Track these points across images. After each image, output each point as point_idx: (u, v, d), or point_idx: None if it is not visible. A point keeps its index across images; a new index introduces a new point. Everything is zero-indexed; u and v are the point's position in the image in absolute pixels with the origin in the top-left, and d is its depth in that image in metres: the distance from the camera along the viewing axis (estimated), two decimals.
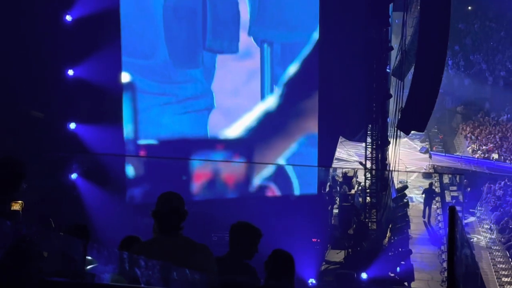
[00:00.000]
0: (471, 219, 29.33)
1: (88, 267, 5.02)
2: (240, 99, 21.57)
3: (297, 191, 22.94)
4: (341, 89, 22.51)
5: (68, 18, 19.57)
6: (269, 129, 22.29)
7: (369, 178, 24.45)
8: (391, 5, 23.57)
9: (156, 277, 4.96)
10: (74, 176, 20.38)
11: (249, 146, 22.20)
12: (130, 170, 21.33)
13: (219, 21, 20.92)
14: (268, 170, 22.77)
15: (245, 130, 22.00)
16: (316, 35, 21.80)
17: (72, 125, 20.12)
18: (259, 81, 21.77)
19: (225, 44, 21.15)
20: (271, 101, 21.95)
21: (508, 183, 32.60)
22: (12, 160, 6.13)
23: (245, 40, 21.27)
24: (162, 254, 5.25)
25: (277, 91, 21.95)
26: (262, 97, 21.89)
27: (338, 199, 26.67)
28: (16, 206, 7.94)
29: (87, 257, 4.91)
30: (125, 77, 20.75)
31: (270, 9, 21.02)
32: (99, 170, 20.51)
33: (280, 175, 22.90)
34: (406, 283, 22.28)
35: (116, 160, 20.80)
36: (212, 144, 21.69)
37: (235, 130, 21.97)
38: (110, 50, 19.87)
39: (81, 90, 19.97)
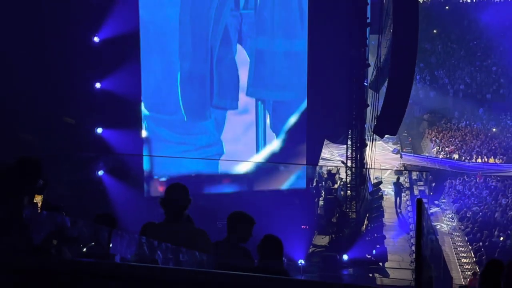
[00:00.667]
0: (436, 209, 29.41)
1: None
2: (240, 145, 21.85)
3: (289, 186, 22.66)
4: (327, 100, 22.38)
5: (96, 39, 19.51)
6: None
7: (350, 175, 24.46)
8: (368, 29, 23.57)
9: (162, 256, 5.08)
10: (100, 172, 20.33)
11: (250, 179, 22.37)
12: (147, 168, 21.22)
13: (223, 84, 21.16)
14: (265, 169, 22.55)
15: (248, 166, 22.25)
16: (304, 92, 22.03)
17: (99, 130, 20.03)
18: (254, 131, 22.07)
19: (228, 102, 21.44)
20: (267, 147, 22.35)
21: (466, 179, 32.73)
22: (28, 159, 5.82)
23: (243, 98, 21.48)
24: (166, 237, 5.34)
25: (270, 136, 22.22)
26: (257, 143, 22.14)
27: (323, 193, 26.64)
28: (38, 198, 7.68)
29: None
30: (144, 133, 21.08)
31: (263, 74, 21.23)
32: (121, 168, 20.47)
33: (275, 173, 22.62)
34: (380, 264, 22.24)
35: (135, 160, 20.75)
36: (221, 178, 21.97)
37: (240, 167, 22.15)
38: (130, 66, 19.85)
39: (107, 100, 19.85)
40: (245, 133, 21.86)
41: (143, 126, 20.66)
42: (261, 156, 22.21)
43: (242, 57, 21.14)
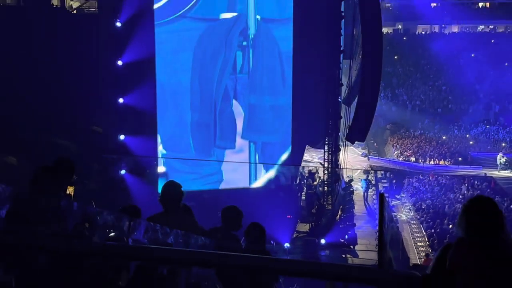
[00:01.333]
0: (396, 202, 29.37)
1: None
2: (237, 174, 22.30)
3: (277, 183, 22.71)
4: (308, 113, 22.45)
5: (119, 62, 19.39)
6: None
7: (326, 174, 24.29)
8: (341, 55, 23.59)
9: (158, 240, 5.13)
10: (122, 172, 20.17)
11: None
12: (160, 168, 21.17)
13: (223, 130, 21.65)
14: (258, 171, 22.64)
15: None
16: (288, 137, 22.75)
17: (121, 137, 20.00)
18: (247, 166, 22.62)
19: (227, 143, 21.86)
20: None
21: (421, 177, 32.71)
22: (64, 159, 5.83)
23: (239, 140, 21.99)
24: (167, 224, 5.33)
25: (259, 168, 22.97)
26: (250, 174, 22.77)
27: (305, 189, 26.44)
28: (70, 190, 7.73)
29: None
30: (163, 168, 21.47)
31: (255, 122, 21.82)
32: (139, 168, 20.43)
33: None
34: (351, 246, 22.28)
35: (150, 161, 20.81)
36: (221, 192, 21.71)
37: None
38: (147, 85, 19.91)
39: (128, 113, 19.88)
40: (240, 167, 22.20)
41: (162, 162, 21.21)
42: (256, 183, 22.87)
43: (238, 109, 21.74)
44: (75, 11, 25.88)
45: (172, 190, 5.92)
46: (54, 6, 26.10)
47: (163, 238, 5.23)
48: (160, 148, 20.91)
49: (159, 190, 19.99)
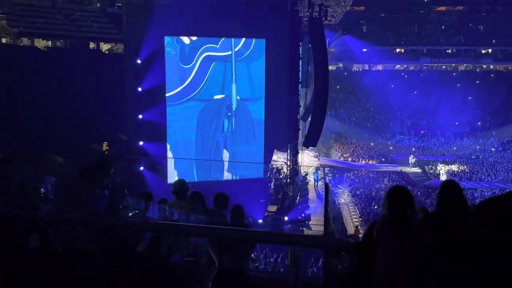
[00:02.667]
0: (339, 190, 29.42)
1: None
2: (226, 174, 22.54)
3: (253, 176, 22.56)
4: (276, 126, 22.39)
5: (139, 89, 19.28)
6: None
7: (289, 170, 24.32)
8: (300, 85, 23.70)
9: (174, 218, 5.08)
10: (141, 168, 19.89)
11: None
12: (170, 166, 20.84)
13: (215, 168, 22.09)
14: (240, 168, 22.36)
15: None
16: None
17: (141, 143, 19.78)
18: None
19: (218, 175, 22.06)
20: None
21: (356, 172, 32.83)
22: (106, 157, 5.73)
23: (226, 173, 22.35)
24: (178, 208, 5.41)
25: None
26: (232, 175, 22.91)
27: (273, 180, 26.40)
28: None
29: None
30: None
31: (236, 163, 22.10)
32: (154, 165, 20.18)
33: (245, 169, 22.38)
34: (307, 222, 22.20)
35: (162, 160, 20.50)
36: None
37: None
38: (159, 106, 19.81)
39: (146, 126, 19.70)
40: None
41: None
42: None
43: (225, 154, 22.05)
44: (107, 52, 25.64)
45: (181, 185, 5.94)
46: (91, 48, 25.87)
47: (171, 217, 5.21)
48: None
49: (167, 182, 20.03)
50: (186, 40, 20.33)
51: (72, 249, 3.59)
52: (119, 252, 3.73)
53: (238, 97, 21.64)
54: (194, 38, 20.45)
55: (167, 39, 19.75)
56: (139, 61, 19.25)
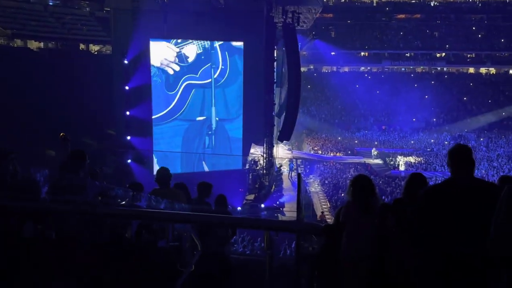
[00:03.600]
0: (310, 180, 29.68)
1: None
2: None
3: (233, 167, 22.53)
4: (254, 122, 22.34)
5: (126, 87, 18.96)
6: None
7: (265, 162, 24.35)
8: (274, 85, 23.68)
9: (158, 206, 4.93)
10: (129, 161, 19.62)
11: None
12: (155, 157, 20.60)
13: (195, 178, 22.18)
14: (220, 160, 22.35)
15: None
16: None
17: (128, 137, 19.45)
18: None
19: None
20: None
21: (325, 164, 33.04)
22: (76, 150, 5.49)
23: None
24: (161, 195, 5.09)
25: None
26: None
27: (251, 171, 26.28)
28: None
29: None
30: None
31: (215, 173, 21.96)
32: (140, 157, 19.90)
33: (225, 162, 22.40)
34: (281, 208, 22.24)
35: (148, 153, 20.25)
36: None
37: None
38: (144, 103, 19.53)
39: (133, 121, 19.39)
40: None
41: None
42: None
43: (206, 168, 22.52)
44: (96, 53, 25.14)
45: (163, 173, 5.76)
46: (81, 49, 25.32)
47: (157, 205, 5.13)
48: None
49: (154, 173, 19.68)
50: (170, 70, 20.77)
51: (65, 237, 3.52)
52: (108, 238, 3.68)
53: (217, 118, 22.40)
54: (177, 68, 20.86)
55: (153, 69, 20.11)
56: (126, 62, 18.90)
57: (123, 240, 3.76)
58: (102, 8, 26.16)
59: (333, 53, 51.96)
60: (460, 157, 3.03)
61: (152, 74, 20.04)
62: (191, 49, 20.99)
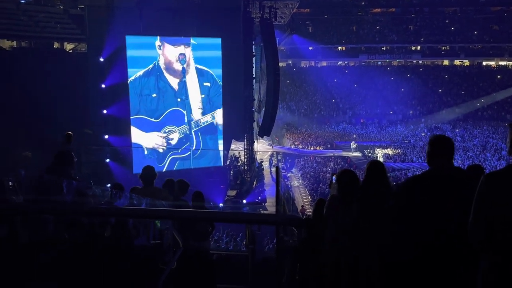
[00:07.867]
0: (291, 174, 29.81)
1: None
2: (188, 162, 21.86)
3: (213, 164, 22.29)
4: (234, 119, 22.16)
5: (103, 86, 18.62)
6: None
7: (246, 157, 24.39)
8: (254, 80, 23.67)
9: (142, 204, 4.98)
10: (107, 160, 19.28)
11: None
12: (135, 156, 20.20)
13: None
14: (203, 156, 22.01)
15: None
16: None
17: (106, 136, 19.14)
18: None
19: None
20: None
21: (305, 158, 33.21)
22: (65, 152, 5.50)
23: None
24: (144, 194, 5.21)
25: None
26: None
27: (232, 167, 26.36)
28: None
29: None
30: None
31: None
32: (119, 156, 19.59)
33: (207, 158, 22.12)
34: (263, 203, 22.31)
35: (127, 151, 19.87)
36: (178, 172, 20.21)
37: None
38: (122, 102, 19.21)
39: (110, 120, 19.09)
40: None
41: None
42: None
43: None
44: (70, 51, 24.62)
45: (148, 172, 5.72)
46: (56, 48, 24.75)
47: (139, 202, 5.10)
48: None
49: (133, 172, 19.51)
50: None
51: (39, 238, 3.45)
52: (86, 238, 3.62)
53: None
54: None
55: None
56: (102, 59, 18.55)
57: (101, 240, 3.71)
58: (76, 6, 25.59)
59: (311, 47, 52.27)
60: (441, 146, 3.09)
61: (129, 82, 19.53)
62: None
